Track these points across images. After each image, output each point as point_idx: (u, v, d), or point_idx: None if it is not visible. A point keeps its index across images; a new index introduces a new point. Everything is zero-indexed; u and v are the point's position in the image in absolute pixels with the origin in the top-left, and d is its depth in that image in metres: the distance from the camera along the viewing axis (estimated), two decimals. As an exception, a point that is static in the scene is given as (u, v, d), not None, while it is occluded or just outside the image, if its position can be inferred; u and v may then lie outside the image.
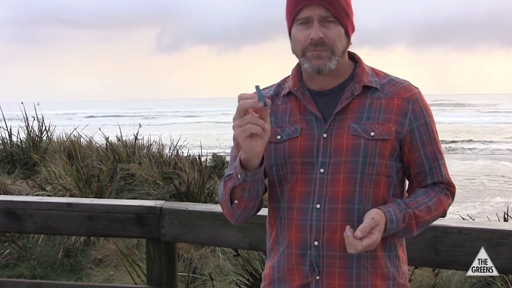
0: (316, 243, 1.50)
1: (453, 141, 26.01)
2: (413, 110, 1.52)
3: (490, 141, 26.46)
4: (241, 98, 1.36)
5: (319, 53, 1.47)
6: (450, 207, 1.63)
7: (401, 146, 1.53)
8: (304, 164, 1.52)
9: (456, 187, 1.62)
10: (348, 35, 1.52)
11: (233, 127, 1.38)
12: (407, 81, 1.58)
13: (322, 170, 1.50)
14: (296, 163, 1.53)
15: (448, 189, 1.58)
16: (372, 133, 1.49)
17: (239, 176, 1.45)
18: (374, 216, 1.42)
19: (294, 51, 1.55)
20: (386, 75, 1.59)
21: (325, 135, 1.51)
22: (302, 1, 1.47)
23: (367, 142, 1.48)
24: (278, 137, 1.55)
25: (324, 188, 1.49)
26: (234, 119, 1.37)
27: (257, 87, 1.38)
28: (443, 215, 1.59)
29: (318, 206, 1.49)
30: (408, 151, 1.54)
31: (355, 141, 1.49)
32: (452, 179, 1.62)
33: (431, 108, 1.59)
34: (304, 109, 1.55)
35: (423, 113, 1.54)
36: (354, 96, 1.52)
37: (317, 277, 1.51)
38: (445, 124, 34.53)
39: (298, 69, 1.60)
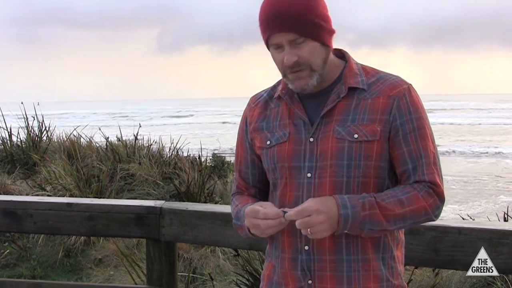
0: (306, 247, 1.51)
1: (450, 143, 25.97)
2: (398, 106, 1.49)
3: (490, 141, 26.46)
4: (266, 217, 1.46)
5: (298, 74, 1.48)
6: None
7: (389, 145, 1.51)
8: (292, 169, 1.52)
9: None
10: (326, 44, 1.49)
11: (251, 225, 1.49)
12: (398, 77, 1.54)
13: (309, 175, 1.50)
14: (284, 167, 1.53)
15: (431, 188, 1.48)
16: (356, 135, 1.47)
17: (251, 236, 1.57)
18: (309, 200, 1.44)
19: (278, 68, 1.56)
20: (377, 72, 1.56)
21: (311, 139, 1.51)
22: (268, 30, 1.47)
23: (351, 144, 1.47)
24: (268, 142, 1.57)
25: (311, 193, 1.49)
26: (254, 225, 1.48)
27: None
28: (430, 218, 1.50)
29: None
30: (392, 148, 1.50)
31: (339, 144, 1.48)
32: (442, 179, 1.53)
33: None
34: (293, 112, 1.56)
35: (409, 109, 1.49)
36: (340, 98, 1.51)
37: (309, 281, 1.52)
38: (445, 125, 34.54)
39: None
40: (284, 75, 1.52)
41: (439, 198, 1.50)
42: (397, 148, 1.50)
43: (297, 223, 1.41)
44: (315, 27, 1.45)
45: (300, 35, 1.44)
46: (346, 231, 1.45)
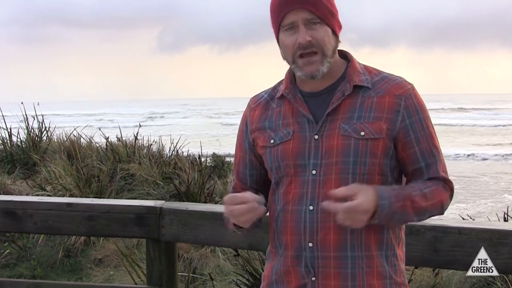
0: (310, 244, 1.51)
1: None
2: (406, 106, 1.51)
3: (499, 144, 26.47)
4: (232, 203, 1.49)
5: (310, 58, 1.48)
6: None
7: (395, 143, 1.52)
8: (296, 167, 1.53)
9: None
10: (335, 34, 1.52)
11: (228, 213, 1.51)
12: (401, 78, 1.56)
13: (314, 172, 1.51)
14: (289, 165, 1.54)
15: (446, 184, 1.55)
16: (362, 133, 1.48)
17: (236, 231, 1.61)
18: (356, 187, 1.41)
19: (284, 58, 1.56)
20: (380, 72, 1.58)
21: (316, 136, 1.52)
22: (285, 7, 1.47)
23: (357, 142, 1.48)
24: (272, 141, 1.57)
25: (316, 190, 1.50)
26: (230, 213, 1.50)
27: None
28: (441, 211, 1.55)
29: (311, 207, 1.50)
30: (402, 148, 1.52)
31: (346, 141, 1.49)
32: (451, 177, 1.59)
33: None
34: (297, 111, 1.56)
35: (416, 109, 1.52)
36: (345, 96, 1.52)
37: (313, 278, 1.52)
38: (446, 126, 34.56)
39: (291, 71, 1.60)
40: (293, 61, 1.51)
41: (451, 193, 1.56)
42: (409, 147, 1.52)
43: (340, 215, 1.39)
44: (329, 12, 1.48)
45: (316, 15, 1.46)
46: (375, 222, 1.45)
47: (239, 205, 1.47)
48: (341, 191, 1.40)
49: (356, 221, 1.40)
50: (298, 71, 1.51)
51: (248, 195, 1.48)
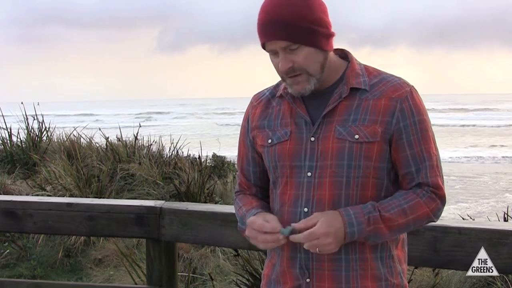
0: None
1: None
2: (401, 109, 1.49)
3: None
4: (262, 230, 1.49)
5: (295, 79, 1.49)
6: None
7: (390, 146, 1.51)
8: (292, 168, 1.53)
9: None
10: (322, 48, 1.49)
11: (250, 238, 1.53)
12: (400, 79, 1.55)
13: (309, 174, 1.51)
14: (285, 166, 1.54)
15: (434, 192, 1.51)
16: (357, 136, 1.48)
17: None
18: (316, 215, 1.45)
19: None
20: (379, 73, 1.56)
21: (312, 138, 1.52)
22: (262, 37, 1.49)
23: (352, 145, 1.48)
24: (269, 140, 1.58)
25: (311, 192, 1.50)
26: (253, 237, 1.51)
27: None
28: (432, 220, 1.53)
29: (305, 209, 1.51)
30: (394, 150, 1.51)
31: (340, 144, 1.49)
32: (444, 181, 1.56)
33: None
34: (295, 112, 1.56)
35: (412, 112, 1.50)
36: (341, 98, 1.52)
37: (308, 280, 1.53)
38: (446, 126, 34.58)
39: None
40: (283, 79, 1.54)
41: (441, 201, 1.53)
42: (401, 151, 1.51)
43: (305, 245, 1.44)
44: (309, 33, 1.45)
45: (293, 42, 1.45)
46: None
47: (262, 234, 1.48)
48: (302, 223, 1.44)
49: (322, 246, 1.43)
50: (289, 88, 1.54)
51: (267, 225, 1.48)
